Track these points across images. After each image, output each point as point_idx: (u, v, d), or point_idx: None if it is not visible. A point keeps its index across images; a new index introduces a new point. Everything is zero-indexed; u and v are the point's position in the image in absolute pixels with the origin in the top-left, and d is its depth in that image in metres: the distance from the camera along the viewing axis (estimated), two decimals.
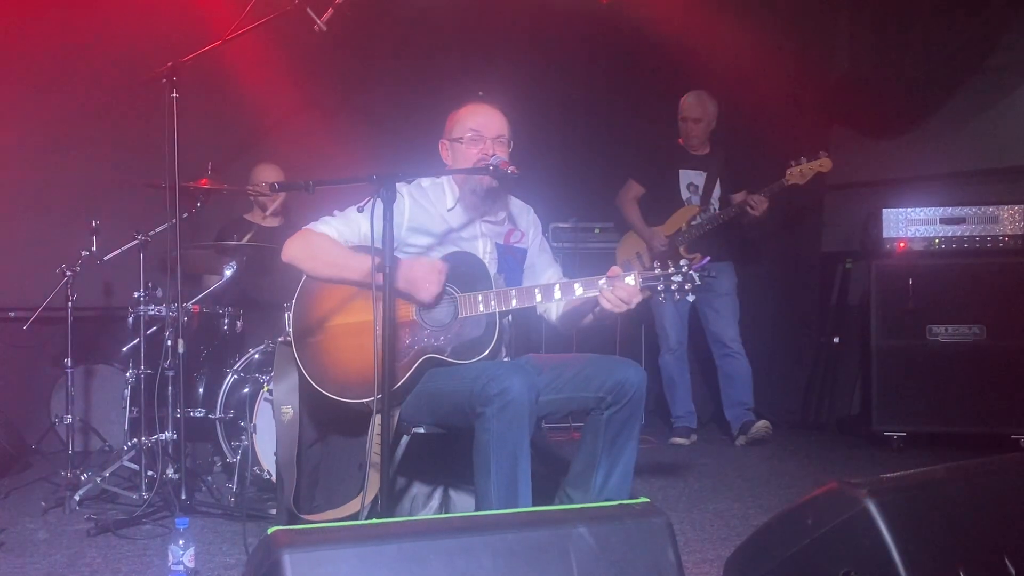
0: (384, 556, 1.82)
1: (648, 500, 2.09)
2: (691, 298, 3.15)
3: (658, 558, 1.99)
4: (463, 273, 3.23)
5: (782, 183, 5.64)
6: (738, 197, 5.86)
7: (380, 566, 1.80)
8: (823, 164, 5.58)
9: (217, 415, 4.65)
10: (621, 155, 7.02)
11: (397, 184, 2.91)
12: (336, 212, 3.35)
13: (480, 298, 3.19)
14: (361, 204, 2.76)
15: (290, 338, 3.26)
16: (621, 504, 2.08)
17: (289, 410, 3.30)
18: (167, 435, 4.29)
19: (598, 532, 1.96)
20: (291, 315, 3.27)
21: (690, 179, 6.03)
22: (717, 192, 5.99)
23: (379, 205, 2.70)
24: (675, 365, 6.14)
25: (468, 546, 1.87)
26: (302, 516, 3.22)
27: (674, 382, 6.16)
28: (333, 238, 3.28)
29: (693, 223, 5.87)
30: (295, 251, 3.29)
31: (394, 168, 2.75)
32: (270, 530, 1.83)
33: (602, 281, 3.12)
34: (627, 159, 6.56)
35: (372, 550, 1.82)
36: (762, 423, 5.90)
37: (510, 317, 3.36)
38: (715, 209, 5.92)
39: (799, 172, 5.60)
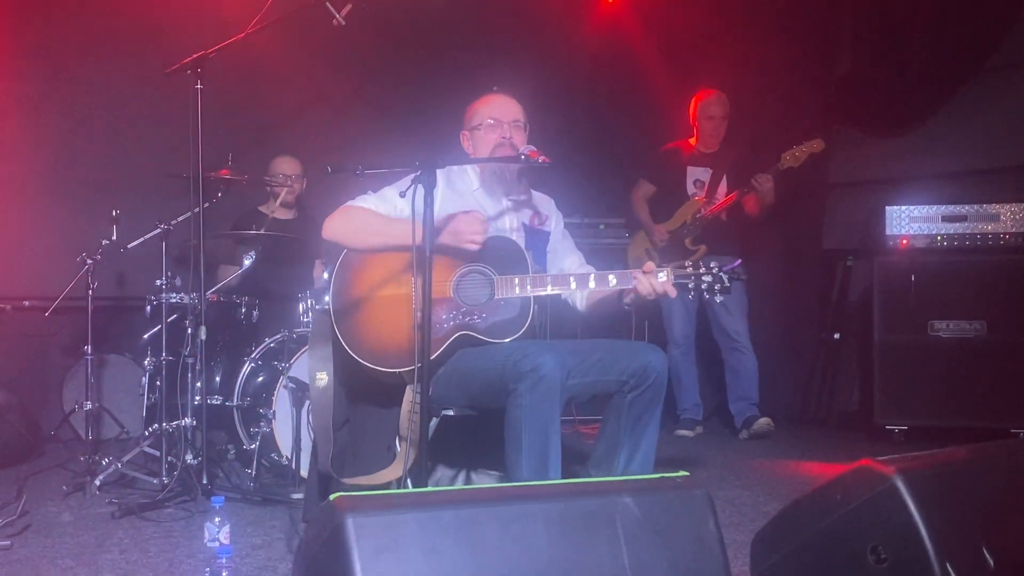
0: (442, 521, 1.89)
1: (688, 473, 2.17)
2: (719, 299, 3.25)
3: (700, 528, 2.07)
4: (500, 256, 3.33)
5: (777, 168, 5.69)
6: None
7: (439, 530, 1.87)
8: (814, 144, 5.62)
9: (235, 403, 4.71)
10: (626, 152, 7.11)
11: None
12: (370, 192, 3.45)
13: (516, 281, 3.29)
14: (403, 189, 2.85)
15: (327, 306, 3.32)
16: (663, 476, 2.16)
17: (324, 376, 3.35)
18: (187, 421, 4.35)
19: (642, 502, 2.03)
20: (330, 287, 3.33)
21: (696, 176, 6.15)
22: (723, 189, 6.06)
23: (420, 191, 2.78)
24: (681, 360, 6.22)
25: (522, 513, 1.95)
26: (340, 480, 3.27)
27: (680, 376, 6.23)
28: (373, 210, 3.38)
29: (697, 216, 5.97)
30: (337, 226, 3.39)
31: (435, 155, 2.82)
32: (332, 496, 1.90)
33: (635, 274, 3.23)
34: (635, 157, 6.65)
35: (431, 515, 1.89)
36: (764, 420, 5.99)
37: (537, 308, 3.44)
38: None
39: (792, 156, 5.64)
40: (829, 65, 6.89)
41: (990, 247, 5.73)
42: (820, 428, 6.60)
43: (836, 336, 6.90)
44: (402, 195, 2.87)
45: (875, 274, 5.91)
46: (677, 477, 2.15)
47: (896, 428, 5.73)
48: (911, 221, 5.86)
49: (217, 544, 2.93)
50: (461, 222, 3.27)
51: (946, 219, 5.82)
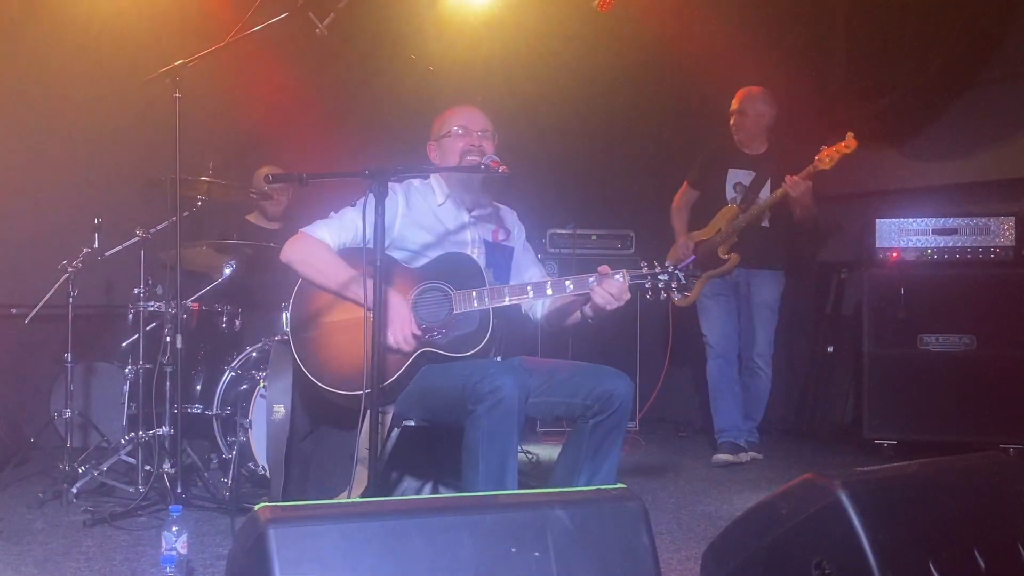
0: (367, 533, 1.88)
1: (625, 486, 2.15)
2: (676, 297, 3.22)
3: (632, 541, 2.05)
4: (456, 271, 3.32)
5: (810, 170, 5.27)
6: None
7: (363, 542, 1.86)
8: (845, 144, 5.22)
9: (214, 412, 4.72)
10: (620, 162, 7.11)
11: (391, 184, 2.99)
12: (332, 214, 3.43)
13: (474, 294, 3.28)
14: (355, 201, 2.84)
15: (287, 336, 3.33)
16: (598, 489, 2.15)
17: (281, 409, 3.38)
18: (164, 430, 4.36)
19: (575, 514, 2.02)
20: (289, 311, 3.34)
21: (738, 179, 5.71)
22: (767, 194, 5.59)
23: (371, 200, 2.77)
24: (720, 373, 5.74)
25: (449, 525, 1.93)
26: None
27: (719, 391, 5.73)
28: (329, 245, 3.35)
29: (733, 223, 5.57)
30: (291, 255, 3.39)
31: (387, 164, 2.81)
32: (257, 507, 1.89)
33: (592, 279, 3.20)
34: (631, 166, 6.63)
35: (355, 527, 1.88)
36: (749, 455, 5.64)
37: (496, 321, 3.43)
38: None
39: (827, 157, 5.23)
40: (823, 78, 6.87)
41: (980, 261, 5.67)
42: (812, 441, 6.55)
43: (830, 349, 6.86)
44: (353, 205, 2.87)
45: (865, 287, 5.87)
46: (613, 489, 2.14)
47: (885, 442, 5.69)
48: (901, 234, 5.82)
49: (174, 553, 2.92)
50: (395, 320, 3.22)
51: (937, 232, 5.77)
